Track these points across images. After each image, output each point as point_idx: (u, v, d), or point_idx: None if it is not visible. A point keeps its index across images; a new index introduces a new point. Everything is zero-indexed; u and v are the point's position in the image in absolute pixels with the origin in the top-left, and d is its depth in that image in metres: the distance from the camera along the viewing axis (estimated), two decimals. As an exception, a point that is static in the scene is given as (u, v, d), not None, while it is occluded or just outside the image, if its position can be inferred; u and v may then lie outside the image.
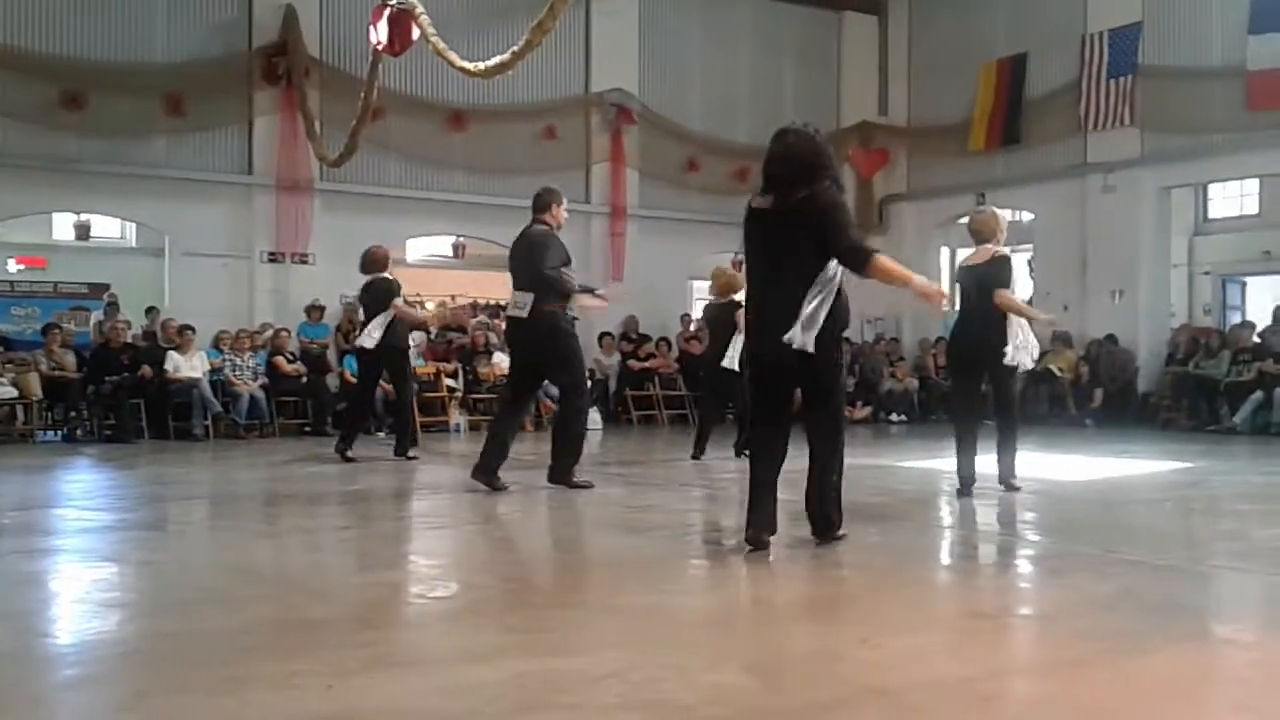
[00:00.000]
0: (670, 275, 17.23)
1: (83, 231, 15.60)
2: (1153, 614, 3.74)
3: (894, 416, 16.12)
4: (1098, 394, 15.12)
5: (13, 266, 15.98)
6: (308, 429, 13.28)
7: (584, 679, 2.90)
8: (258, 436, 12.69)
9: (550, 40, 8.98)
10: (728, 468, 9.03)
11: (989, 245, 7.19)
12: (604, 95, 16.74)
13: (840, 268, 4.86)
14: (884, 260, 4.87)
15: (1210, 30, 15.01)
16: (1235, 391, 13.69)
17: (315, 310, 14.31)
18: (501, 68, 9.42)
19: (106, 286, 15.10)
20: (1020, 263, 18.18)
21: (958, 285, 7.47)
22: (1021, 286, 7.29)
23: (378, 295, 9.63)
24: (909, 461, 9.66)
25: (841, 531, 5.01)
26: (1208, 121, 14.82)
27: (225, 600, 4.11)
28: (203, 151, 14.22)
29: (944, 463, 9.37)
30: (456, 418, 14.10)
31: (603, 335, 16.28)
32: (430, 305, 17.22)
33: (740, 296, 9.68)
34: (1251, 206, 16.70)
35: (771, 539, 4.82)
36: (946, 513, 6.70)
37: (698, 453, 9.74)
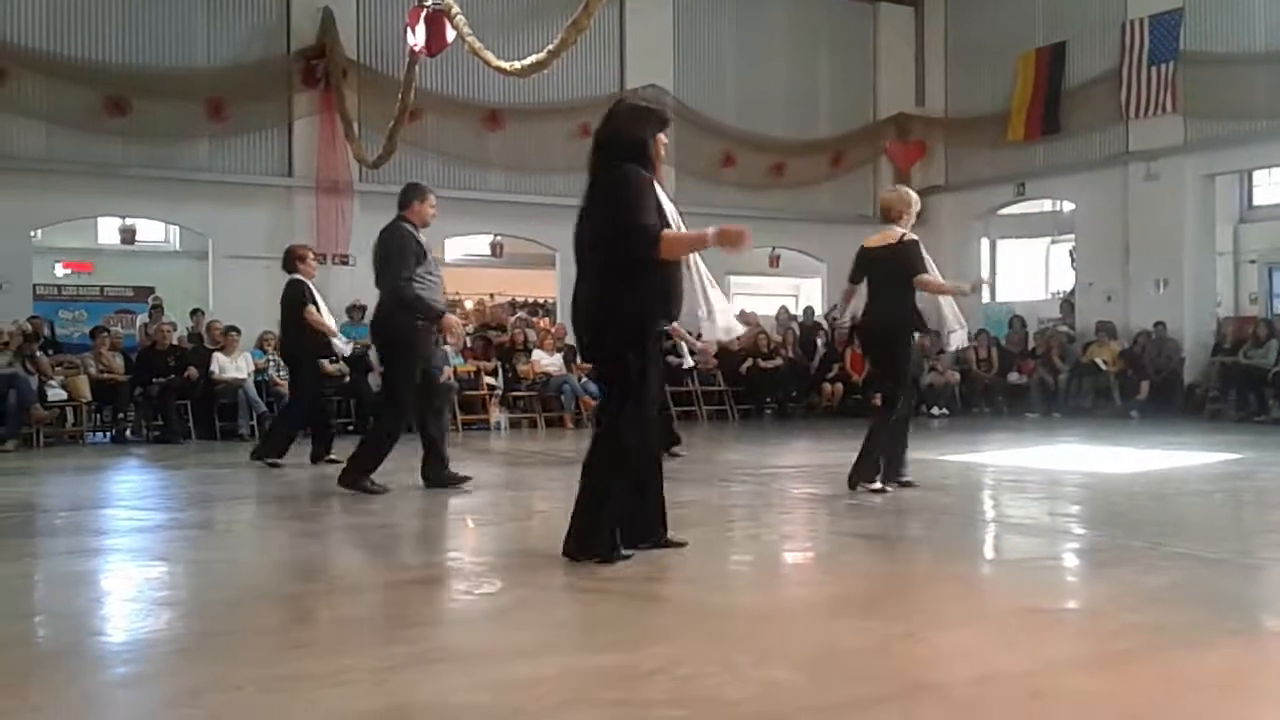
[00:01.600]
0: (709, 271, 17.19)
1: (128, 235, 15.80)
2: (1203, 607, 3.70)
3: (935, 410, 16.00)
4: (1144, 386, 14.93)
5: (60, 271, 16.23)
6: (350, 428, 13.38)
7: (631, 675, 2.92)
8: (301, 436, 12.80)
9: (585, 38, 9.01)
10: (767, 464, 9.02)
11: (895, 227, 6.84)
12: (639, 92, 16.72)
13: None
14: (671, 235, 4.45)
15: (1253, 15, 14.77)
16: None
17: (356, 310, 14.41)
18: (538, 66, 9.46)
19: (151, 289, 15.29)
20: (1062, 253, 18.16)
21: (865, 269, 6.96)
22: (932, 267, 6.85)
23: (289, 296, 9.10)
24: (950, 455, 9.58)
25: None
26: (1251, 108, 14.60)
27: (273, 598, 4.17)
28: (244, 155, 14.39)
29: (987, 456, 9.33)
30: (497, 415, 14.18)
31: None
32: (469, 304, 17.30)
33: None
34: (1298, 193, 16.44)
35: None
36: (990, 506, 6.66)
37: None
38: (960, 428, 13.63)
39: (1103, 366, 15.20)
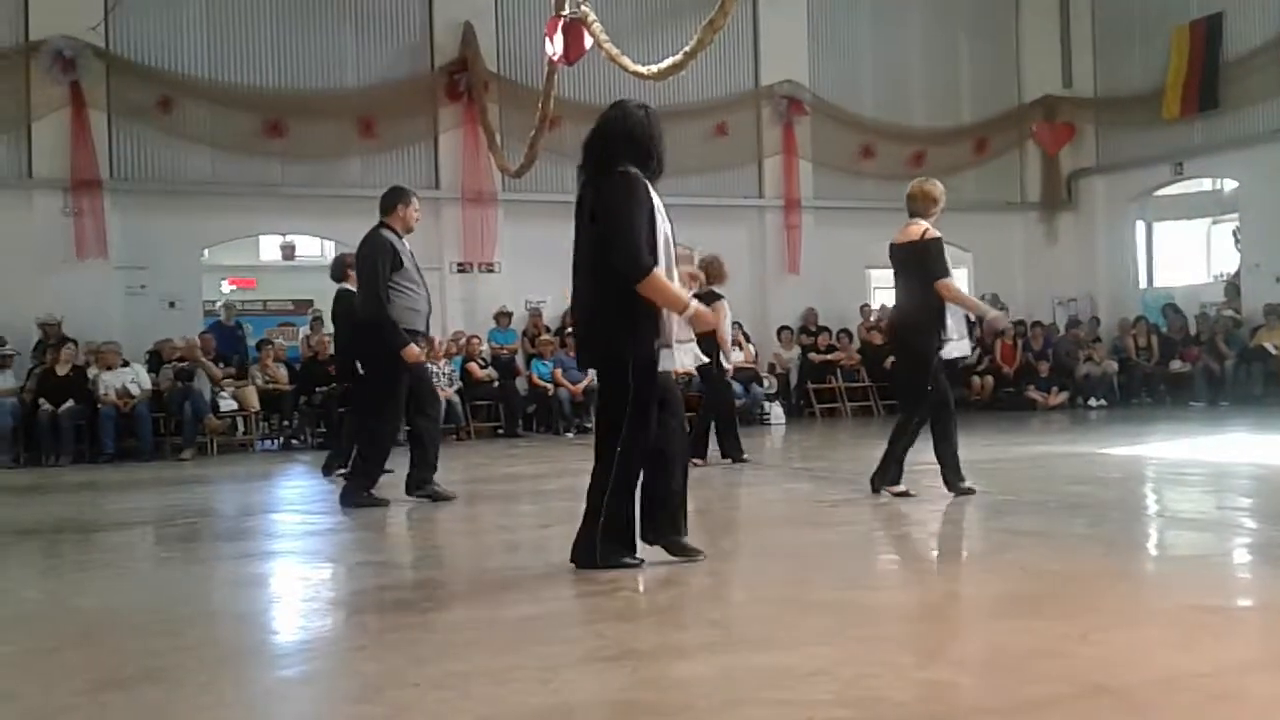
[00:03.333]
0: (848, 265, 16.99)
1: (288, 251, 16.55)
2: (1399, 606, 3.49)
3: (1092, 401, 15.44)
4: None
5: (226, 287, 17.09)
6: (500, 431, 13.72)
7: (793, 675, 2.91)
8: (454, 440, 13.19)
9: (718, 37, 8.98)
10: (915, 460, 8.85)
11: (921, 221, 6.41)
12: (774, 88, 16.65)
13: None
14: (658, 279, 4.19)
15: None
16: None
17: (503, 316, 14.78)
18: (674, 69, 9.50)
19: (310, 303, 15.96)
20: (1224, 234, 17.26)
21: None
22: (956, 268, 6.37)
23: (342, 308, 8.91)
24: (1111, 448, 9.24)
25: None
26: None
27: (438, 597, 4.31)
28: (393, 170, 14.85)
29: (1150, 448, 8.96)
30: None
31: (781, 329, 16.22)
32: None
33: (719, 288, 9.09)
34: None
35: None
36: (1156, 500, 6.40)
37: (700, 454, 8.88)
38: (1120, 419, 13.11)
39: (1274, 351, 14.40)
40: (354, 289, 8.72)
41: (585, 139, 4.43)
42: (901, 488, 6.37)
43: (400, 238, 6.91)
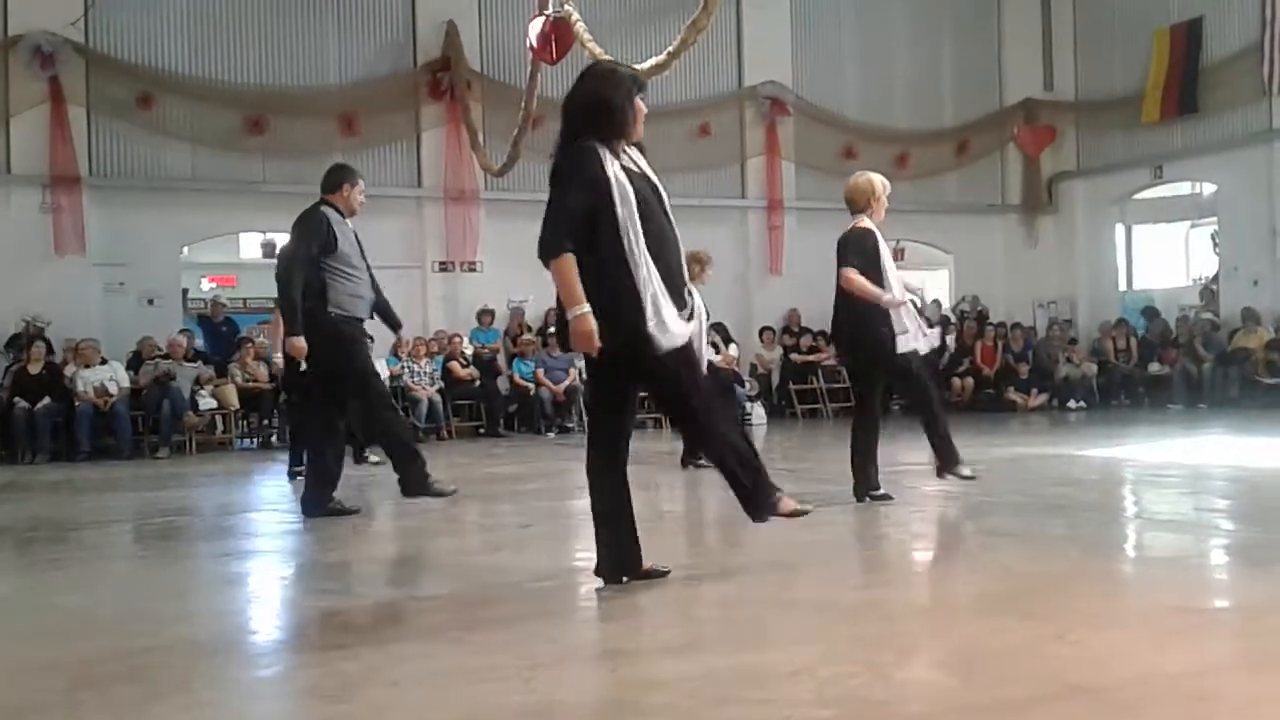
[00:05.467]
0: (831, 266, 16.89)
1: (268, 249, 16.46)
2: (1374, 607, 3.52)
3: (1071, 403, 15.53)
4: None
5: (205, 285, 16.99)
6: (481, 430, 13.69)
7: (776, 674, 2.92)
8: (436, 439, 13.15)
9: (702, 37, 8.99)
10: (896, 461, 8.88)
11: (862, 218, 6.30)
12: (757, 89, 16.67)
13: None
14: (565, 265, 3.84)
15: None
16: None
17: (485, 316, 14.75)
18: (657, 69, 9.47)
19: (291, 300, 15.88)
20: (1203, 238, 17.38)
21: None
22: (888, 262, 6.26)
23: None
24: (1090, 450, 9.29)
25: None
26: None
27: (417, 596, 4.31)
28: (375, 167, 14.78)
29: (1127, 451, 9.02)
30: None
31: (763, 329, 16.24)
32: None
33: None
34: None
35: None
36: (1134, 502, 6.44)
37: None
38: (1099, 421, 13.19)
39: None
40: None
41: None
42: (966, 471, 6.22)
43: (343, 219, 6.40)
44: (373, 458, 9.21)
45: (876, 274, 6.17)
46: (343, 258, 6.23)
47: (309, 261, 6.17)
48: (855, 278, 6.13)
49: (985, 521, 5.71)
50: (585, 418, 4.24)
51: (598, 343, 3.80)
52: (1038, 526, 5.41)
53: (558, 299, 4.01)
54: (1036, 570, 4.32)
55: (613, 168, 3.97)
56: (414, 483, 6.18)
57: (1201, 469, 7.61)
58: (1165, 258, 18.37)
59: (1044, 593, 3.88)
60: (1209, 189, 17.06)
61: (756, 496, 4.11)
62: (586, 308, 3.80)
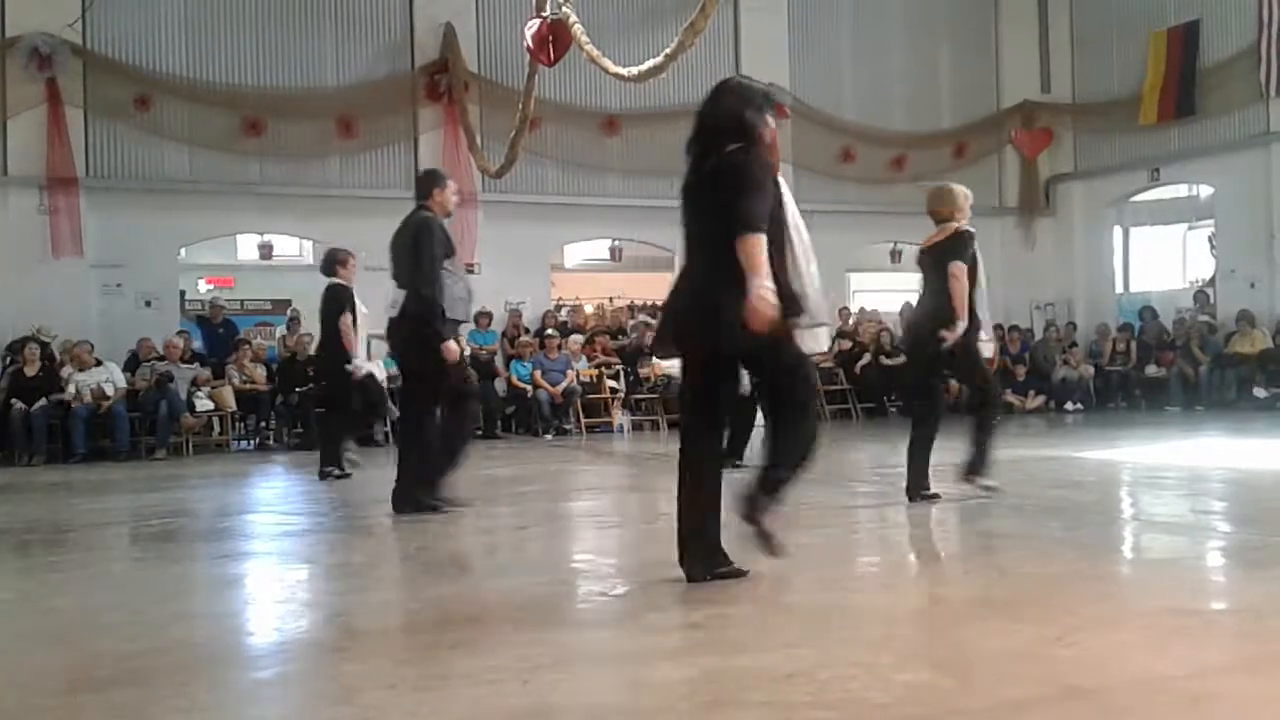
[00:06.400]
0: (828, 268, 16.94)
1: (265, 251, 16.45)
2: (1370, 609, 3.52)
3: (1069, 405, 15.54)
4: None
5: (203, 286, 16.98)
6: (478, 432, 13.66)
7: (772, 677, 2.92)
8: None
9: (700, 39, 9.00)
10: (891, 463, 8.89)
11: (951, 223, 6.34)
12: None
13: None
14: (760, 243, 3.90)
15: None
16: None
17: (483, 317, 14.73)
18: (655, 71, 9.50)
19: (288, 303, 15.89)
20: (1199, 240, 17.42)
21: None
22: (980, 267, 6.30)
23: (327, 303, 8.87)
24: (1087, 452, 9.30)
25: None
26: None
27: (416, 599, 4.30)
28: (373, 170, 14.84)
29: (1125, 453, 9.03)
30: (620, 418, 14.31)
31: (762, 332, 16.24)
32: (589, 308, 17.48)
33: None
34: None
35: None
36: (1131, 504, 6.44)
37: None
38: (1096, 423, 13.20)
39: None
40: (344, 284, 8.85)
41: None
42: (993, 482, 6.27)
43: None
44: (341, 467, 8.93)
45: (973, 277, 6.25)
46: (454, 261, 6.46)
47: (439, 265, 6.29)
48: (962, 278, 6.14)
49: (983, 523, 5.71)
50: (690, 414, 4.28)
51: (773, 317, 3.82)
52: (1036, 528, 5.41)
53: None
54: (1035, 572, 4.32)
55: (780, 180, 4.19)
56: (404, 500, 6.32)
57: (1199, 471, 7.61)
58: (1162, 260, 18.40)
59: (1042, 595, 3.88)
60: (1206, 191, 17.08)
61: (766, 499, 4.06)
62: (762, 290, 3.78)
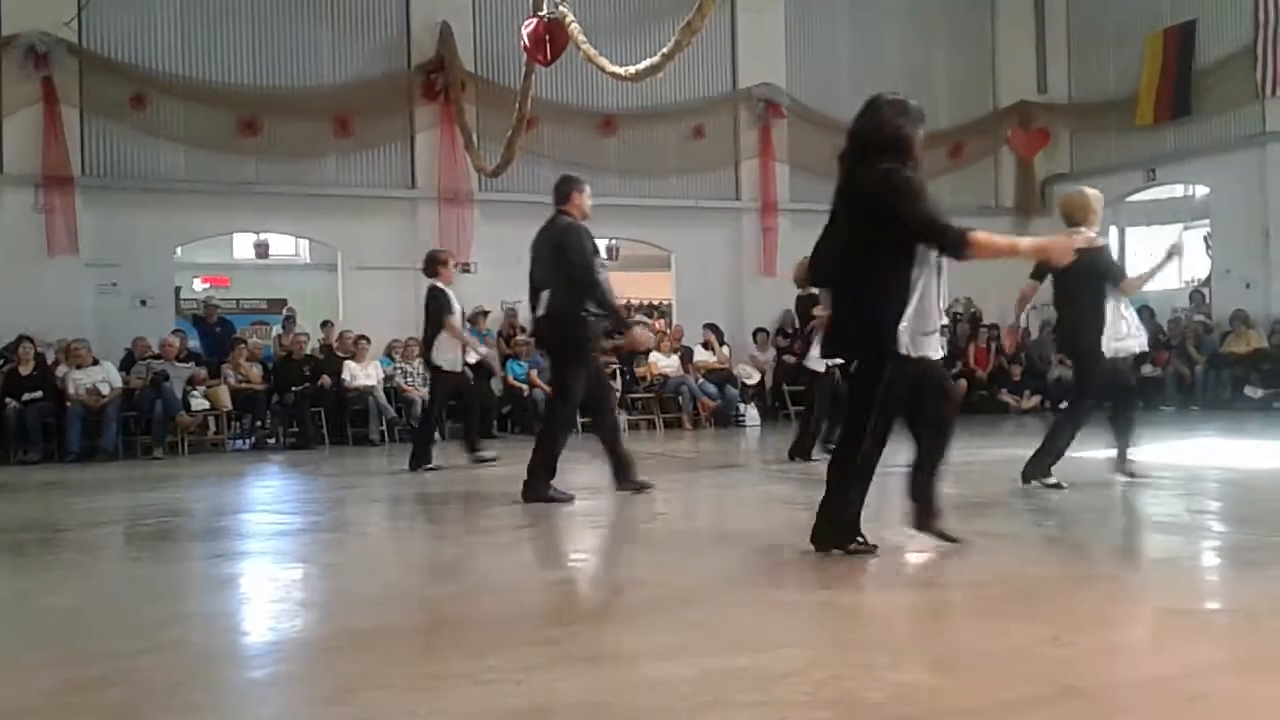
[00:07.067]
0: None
1: (261, 250, 16.44)
2: (1366, 608, 3.53)
3: (1064, 405, 15.53)
4: (1289, 376, 14.26)
5: (198, 285, 16.96)
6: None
7: (769, 676, 2.91)
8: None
9: (696, 39, 9.00)
10: (889, 462, 8.88)
11: (1082, 228, 6.68)
12: (751, 91, 16.68)
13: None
14: (982, 237, 4.36)
15: (1402, -19, 13.97)
16: None
17: (479, 317, 14.71)
18: (651, 71, 9.50)
19: (284, 301, 15.87)
20: (1195, 240, 17.42)
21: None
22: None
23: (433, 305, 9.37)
24: (1082, 452, 9.27)
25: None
26: (1401, 79, 13.81)
27: (413, 599, 4.29)
28: (369, 169, 14.83)
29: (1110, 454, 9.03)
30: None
31: (757, 331, 16.25)
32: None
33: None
34: None
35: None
36: (1127, 503, 6.44)
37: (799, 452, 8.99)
38: (1091, 423, 13.19)
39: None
40: (444, 286, 9.35)
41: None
42: (1053, 480, 6.56)
43: None
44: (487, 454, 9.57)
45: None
46: (599, 258, 6.79)
47: (597, 265, 6.66)
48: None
49: (978, 523, 5.70)
50: (858, 413, 4.59)
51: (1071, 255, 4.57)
52: (1031, 528, 5.42)
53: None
54: (1030, 572, 4.32)
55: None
56: (530, 489, 6.72)
57: (1194, 471, 7.62)
58: (1159, 259, 18.35)
59: (1038, 594, 3.88)
60: (1202, 191, 17.09)
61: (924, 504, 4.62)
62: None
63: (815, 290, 8.97)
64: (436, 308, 9.29)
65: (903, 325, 4.28)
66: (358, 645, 3.46)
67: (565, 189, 6.90)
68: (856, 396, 4.57)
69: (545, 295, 6.63)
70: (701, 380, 14.80)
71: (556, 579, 4.64)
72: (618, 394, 14.49)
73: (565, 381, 6.81)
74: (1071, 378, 7.03)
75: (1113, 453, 6.85)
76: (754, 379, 15.59)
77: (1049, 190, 18.41)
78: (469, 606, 3.98)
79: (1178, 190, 17.89)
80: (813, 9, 17.26)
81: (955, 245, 4.28)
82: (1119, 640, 3.24)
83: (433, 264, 9.51)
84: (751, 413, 14.95)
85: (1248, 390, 14.34)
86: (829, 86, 17.28)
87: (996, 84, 18.45)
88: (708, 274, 16.52)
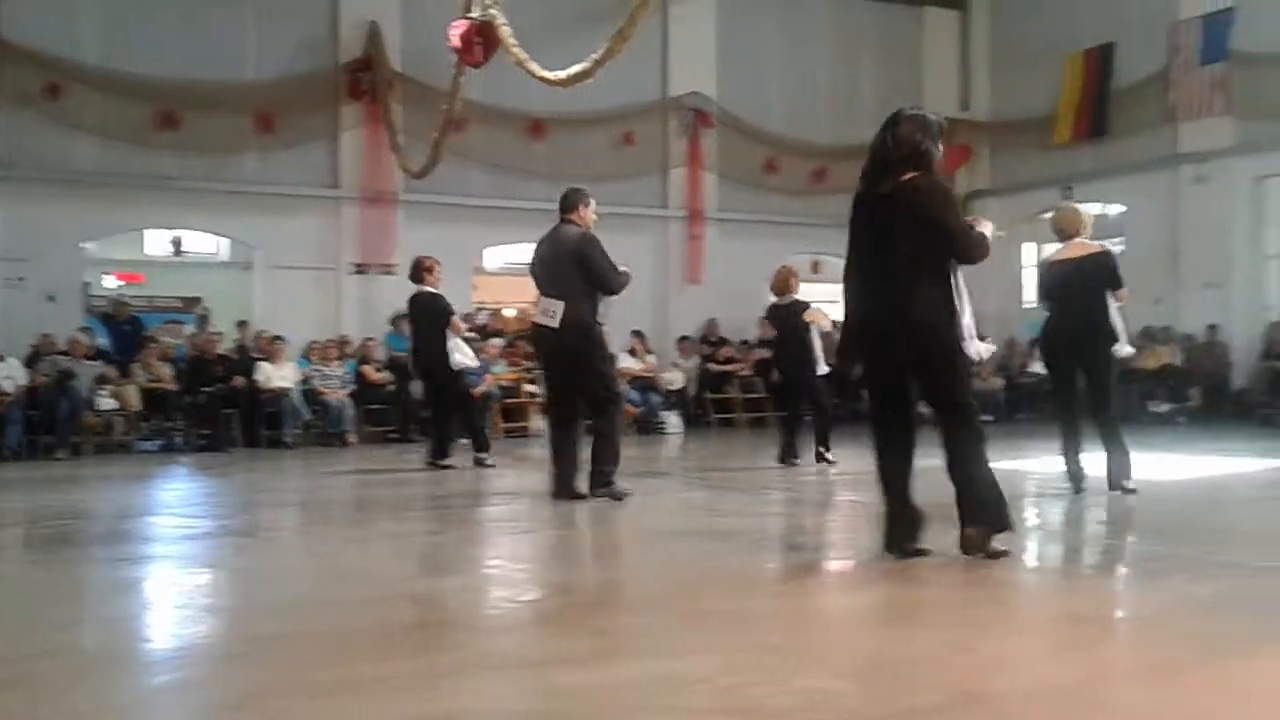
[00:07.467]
0: (750, 278, 17.09)
1: (177, 247, 16.06)
2: (1254, 617, 3.64)
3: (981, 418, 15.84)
4: (1194, 392, 14.70)
5: (111, 282, 16.49)
6: (394, 436, 13.50)
7: (678, 683, 2.91)
8: (344, 444, 12.94)
9: (628, 46, 9.01)
10: (806, 470, 8.98)
11: (1080, 239, 7.10)
12: (681, 99, 16.76)
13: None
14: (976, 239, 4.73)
15: (1308, 14, 14.51)
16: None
17: (401, 320, 14.54)
18: (582, 76, 9.48)
19: (199, 300, 15.53)
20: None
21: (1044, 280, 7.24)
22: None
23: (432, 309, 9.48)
24: (993, 463, 9.43)
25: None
26: (1304, 109, 14.33)
27: (320, 604, 4.21)
28: (291, 167, 14.56)
29: (1032, 463, 9.22)
30: (538, 423, 14.23)
31: (682, 338, 16.30)
32: (511, 312, 17.39)
33: (800, 295, 9.63)
34: (1351, 195, 16.05)
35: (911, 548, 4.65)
36: (1036, 514, 6.57)
37: (789, 456, 9.31)
38: (1005, 434, 13.42)
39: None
40: (434, 290, 9.46)
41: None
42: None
43: None
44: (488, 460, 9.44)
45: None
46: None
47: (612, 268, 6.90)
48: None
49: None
50: (884, 411, 4.90)
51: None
52: (939, 536, 5.47)
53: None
54: (937, 580, 4.39)
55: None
56: (599, 485, 6.80)
57: (1098, 482, 7.79)
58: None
59: (946, 602, 3.94)
60: (1116, 210, 17.56)
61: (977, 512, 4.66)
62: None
63: (797, 298, 9.47)
64: (439, 310, 9.41)
65: (966, 324, 4.60)
66: (262, 652, 3.39)
67: (573, 200, 7.07)
68: (941, 383, 4.67)
69: (561, 307, 6.73)
70: (626, 386, 14.78)
71: (469, 585, 4.60)
72: (541, 400, 14.45)
73: (605, 383, 6.92)
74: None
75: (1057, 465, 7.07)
76: (678, 384, 15.64)
77: (970, 206, 18.76)
78: (379, 612, 3.92)
79: (1095, 208, 18.34)
80: (743, 20, 17.39)
81: (985, 250, 4.66)
82: (1022, 648, 3.29)
83: (419, 270, 9.59)
84: (673, 420, 14.98)
85: (1152, 405, 14.76)
86: (758, 97, 17.45)
87: (922, 99, 18.73)
88: (634, 281, 16.49)
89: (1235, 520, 6.30)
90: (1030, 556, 5.23)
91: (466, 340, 10.42)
